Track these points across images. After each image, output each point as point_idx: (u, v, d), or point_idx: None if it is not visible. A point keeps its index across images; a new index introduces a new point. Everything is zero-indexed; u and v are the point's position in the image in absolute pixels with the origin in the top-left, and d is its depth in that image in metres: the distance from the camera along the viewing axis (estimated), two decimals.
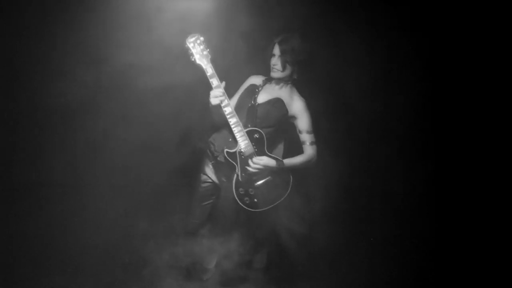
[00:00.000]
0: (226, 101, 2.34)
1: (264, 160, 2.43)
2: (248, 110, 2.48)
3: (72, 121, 3.38)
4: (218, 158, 2.53)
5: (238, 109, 2.47)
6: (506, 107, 3.13)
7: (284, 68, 2.44)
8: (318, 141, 2.57)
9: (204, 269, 2.83)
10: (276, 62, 2.45)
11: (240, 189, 2.48)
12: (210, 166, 2.61)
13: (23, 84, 3.27)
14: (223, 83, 2.33)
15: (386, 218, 3.28)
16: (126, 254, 2.98)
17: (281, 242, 2.99)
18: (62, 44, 3.14)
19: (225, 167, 2.50)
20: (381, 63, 3.24)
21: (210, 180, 2.62)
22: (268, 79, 2.55)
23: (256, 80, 2.58)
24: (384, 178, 3.43)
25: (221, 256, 2.95)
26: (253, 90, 2.52)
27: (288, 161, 2.48)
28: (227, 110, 2.35)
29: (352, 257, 3.00)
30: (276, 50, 2.44)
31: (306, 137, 2.51)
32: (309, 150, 2.52)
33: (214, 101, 2.33)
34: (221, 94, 2.31)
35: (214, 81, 2.31)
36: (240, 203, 2.49)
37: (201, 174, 2.63)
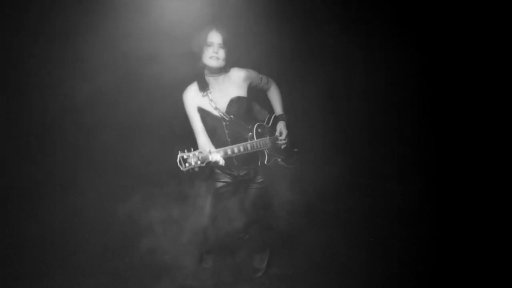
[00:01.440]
0: (220, 158, 2.29)
1: (281, 130, 2.58)
2: (227, 127, 2.43)
3: (72, 122, 3.38)
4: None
5: (213, 134, 2.44)
6: (506, 107, 3.13)
7: (226, 57, 2.35)
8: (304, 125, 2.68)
9: (204, 269, 2.84)
10: (216, 50, 2.33)
11: (290, 160, 2.64)
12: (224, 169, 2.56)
13: (24, 84, 3.27)
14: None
15: (386, 218, 3.28)
16: (126, 254, 2.98)
17: (280, 242, 3.00)
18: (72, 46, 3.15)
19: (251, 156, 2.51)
20: (381, 64, 3.25)
21: (226, 181, 2.59)
22: (202, 88, 2.40)
23: (193, 97, 2.42)
24: (384, 177, 3.44)
25: (221, 256, 2.96)
26: (208, 110, 2.41)
27: (279, 108, 2.63)
28: (234, 150, 2.35)
29: (352, 257, 2.99)
30: (216, 38, 2.33)
31: (262, 83, 2.56)
32: (271, 85, 2.61)
33: (222, 162, 2.30)
34: (219, 156, 2.28)
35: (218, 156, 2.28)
36: (295, 164, 2.65)
37: (215, 182, 2.59)
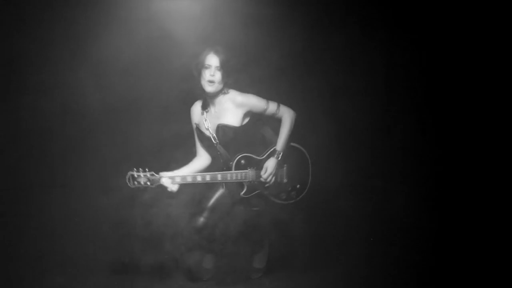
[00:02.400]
0: (189, 177, 2.39)
1: (268, 166, 2.47)
2: (217, 150, 2.48)
3: (72, 122, 3.38)
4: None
5: (211, 154, 2.54)
6: (506, 107, 3.13)
7: (223, 79, 2.36)
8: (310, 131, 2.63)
9: (204, 269, 2.83)
10: (213, 73, 2.35)
11: (281, 195, 2.57)
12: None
13: (25, 85, 3.27)
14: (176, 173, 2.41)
15: (386, 218, 3.28)
16: (126, 254, 2.98)
17: (280, 242, 3.00)
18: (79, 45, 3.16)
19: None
20: (381, 63, 3.25)
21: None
22: (204, 106, 2.48)
23: (196, 113, 2.52)
24: (384, 177, 3.44)
25: (222, 256, 2.96)
26: (202, 131, 2.49)
27: (280, 143, 2.49)
28: (205, 178, 2.41)
29: (352, 257, 2.99)
30: (213, 61, 2.35)
31: (270, 111, 2.47)
32: (283, 115, 2.49)
33: (173, 189, 2.40)
34: (170, 182, 2.37)
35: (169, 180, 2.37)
36: (292, 200, 2.59)
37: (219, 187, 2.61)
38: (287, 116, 2.49)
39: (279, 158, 2.49)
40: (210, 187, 2.58)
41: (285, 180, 2.55)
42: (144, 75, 3.20)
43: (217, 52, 2.36)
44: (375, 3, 3.14)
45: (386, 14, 3.13)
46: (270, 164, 2.47)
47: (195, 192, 2.64)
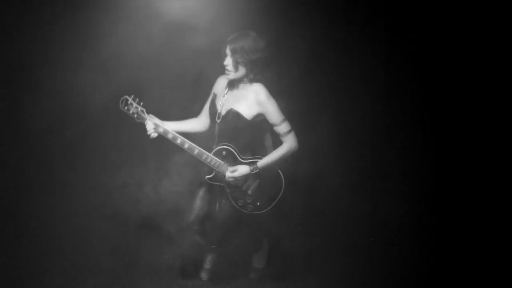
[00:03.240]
0: (170, 134, 2.44)
1: (238, 170, 2.45)
2: (216, 128, 2.49)
3: (72, 122, 3.38)
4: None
5: (211, 126, 2.55)
6: (506, 107, 3.13)
7: (236, 69, 2.37)
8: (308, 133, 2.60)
9: (203, 269, 2.83)
10: (227, 63, 2.38)
11: (239, 201, 2.54)
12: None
13: (25, 84, 3.27)
14: (150, 116, 2.45)
15: (386, 218, 3.28)
16: (126, 254, 2.98)
17: (280, 242, 3.00)
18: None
19: (215, 187, 2.56)
20: (381, 63, 3.25)
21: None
22: (230, 84, 2.49)
23: (220, 84, 2.54)
24: (384, 177, 3.43)
25: (221, 256, 2.96)
26: (216, 103, 2.51)
27: (264, 161, 2.45)
28: (184, 144, 2.44)
29: (352, 258, 2.99)
30: (228, 50, 2.37)
31: (279, 129, 2.44)
32: (286, 141, 2.45)
33: (152, 135, 2.45)
34: (152, 127, 2.43)
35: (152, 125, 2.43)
36: (246, 211, 2.55)
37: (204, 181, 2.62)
38: (287, 145, 2.45)
39: (253, 172, 2.46)
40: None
41: (249, 192, 2.52)
42: (147, 73, 3.19)
43: (230, 41, 2.36)
44: (375, 3, 3.14)
45: (387, 13, 3.13)
46: (242, 171, 2.45)
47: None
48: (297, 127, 2.52)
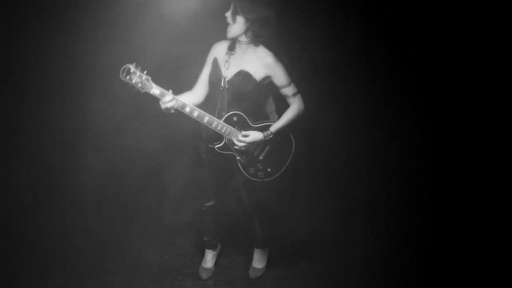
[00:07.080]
0: (188, 108, 2.29)
1: (250, 136, 2.39)
2: (220, 94, 2.39)
3: (72, 122, 3.38)
4: (213, 156, 2.50)
5: (210, 94, 2.44)
6: (507, 107, 3.13)
7: (234, 20, 2.27)
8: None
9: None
10: (228, 14, 2.28)
11: (250, 169, 2.48)
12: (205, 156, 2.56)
13: (25, 84, 3.27)
14: (170, 91, 2.26)
15: (386, 218, 3.28)
16: (126, 254, 2.98)
17: (280, 242, 3.00)
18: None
19: (222, 157, 2.48)
20: (381, 63, 3.25)
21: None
22: (231, 47, 2.39)
23: (220, 50, 2.42)
24: (384, 177, 3.44)
25: (221, 256, 2.96)
26: (219, 68, 2.40)
27: (277, 125, 2.42)
28: (193, 113, 2.31)
29: (352, 257, 2.99)
30: (231, 6, 2.29)
31: (286, 91, 2.40)
32: (294, 103, 2.43)
33: (167, 106, 2.27)
34: (171, 99, 2.25)
35: (159, 92, 2.24)
36: (257, 179, 2.49)
37: (201, 156, 2.57)
38: (296, 106, 2.43)
39: (267, 138, 2.42)
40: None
41: (261, 158, 2.47)
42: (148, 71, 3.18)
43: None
44: (376, 3, 3.14)
45: (387, 13, 3.13)
46: (254, 136, 2.39)
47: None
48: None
